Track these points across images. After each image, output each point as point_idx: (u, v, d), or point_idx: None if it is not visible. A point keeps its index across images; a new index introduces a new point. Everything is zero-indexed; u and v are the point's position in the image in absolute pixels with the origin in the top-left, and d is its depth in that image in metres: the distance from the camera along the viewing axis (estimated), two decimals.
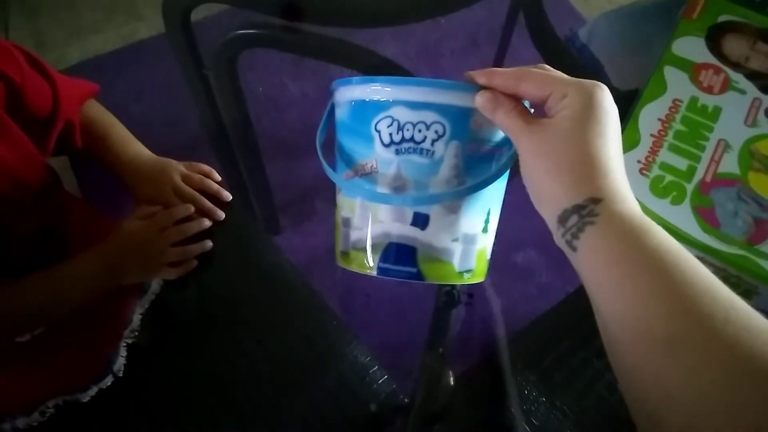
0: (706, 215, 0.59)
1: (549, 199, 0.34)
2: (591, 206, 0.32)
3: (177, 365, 0.65)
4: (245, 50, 0.80)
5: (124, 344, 0.64)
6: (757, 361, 0.25)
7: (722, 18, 0.71)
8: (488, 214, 0.41)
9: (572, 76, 0.36)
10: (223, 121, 0.92)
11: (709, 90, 0.66)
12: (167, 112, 1.31)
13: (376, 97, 0.39)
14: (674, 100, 0.66)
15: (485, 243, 0.42)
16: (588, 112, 0.33)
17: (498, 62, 1.24)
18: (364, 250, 0.41)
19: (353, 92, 0.40)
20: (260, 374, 0.64)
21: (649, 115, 0.65)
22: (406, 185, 0.38)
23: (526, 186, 0.36)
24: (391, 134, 0.38)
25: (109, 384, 0.62)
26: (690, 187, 0.61)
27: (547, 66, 0.37)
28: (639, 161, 0.62)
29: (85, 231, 0.67)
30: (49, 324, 0.61)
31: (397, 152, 0.38)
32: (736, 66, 0.68)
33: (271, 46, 0.87)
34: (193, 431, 0.63)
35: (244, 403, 0.63)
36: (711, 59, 0.68)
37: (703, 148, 0.63)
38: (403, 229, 0.39)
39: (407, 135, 0.38)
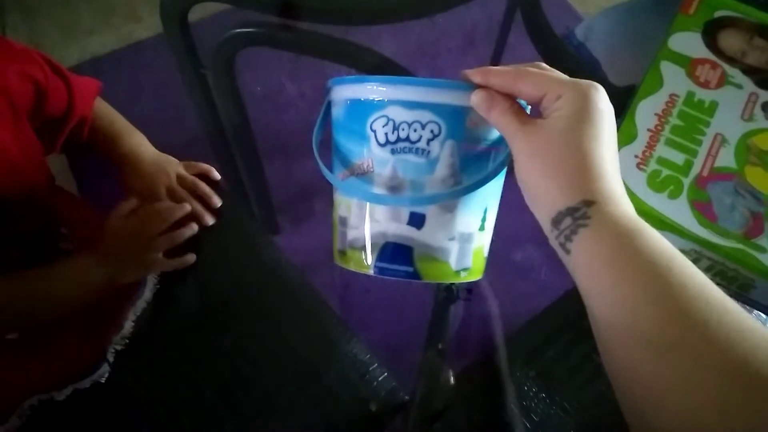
0: (703, 209, 0.59)
1: (543, 201, 0.34)
2: (584, 209, 0.31)
3: (177, 365, 0.65)
4: (243, 50, 0.80)
5: (113, 350, 0.64)
6: (749, 364, 0.25)
7: (718, 13, 0.71)
8: (485, 212, 0.41)
9: (569, 73, 0.36)
10: (222, 121, 0.92)
11: (705, 85, 0.67)
12: (165, 113, 1.31)
13: (371, 97, 0.38)
14: (671, 95, 0.66)
15: (482, 241, 0.42)
16: (582, 113, 0.33)
17: (495, 60, 1.24)
18: (361, 249, 0.40)
19: (348, 91, 0.40)
20: (260, 373, 0.65)
21: (646, 110, 0.65)
22: (402, 185, 0.38)
23: (521, 187, 0.35)
24: (386, 134, 0.38)
25: (87, 386, 0.62)
26: (687, 182, 0.61)
27: (544, 64, 0.37)
28: (636, 156, 0.62)
29: (83, 230, 0.68)
30: (41, 322, 0.61)
31: (393, 152, 0.38)
32: (732, 61, 0.68)
33: (268, 45, 0.87)
34: (193, 431, 0.63)
35: (244, 402, 0.63)
36: (707, 54, 0.68)
37: (699, 143, 0.63)
38: (399, 229, 0.39)
39: (402, 134, 0.38)
